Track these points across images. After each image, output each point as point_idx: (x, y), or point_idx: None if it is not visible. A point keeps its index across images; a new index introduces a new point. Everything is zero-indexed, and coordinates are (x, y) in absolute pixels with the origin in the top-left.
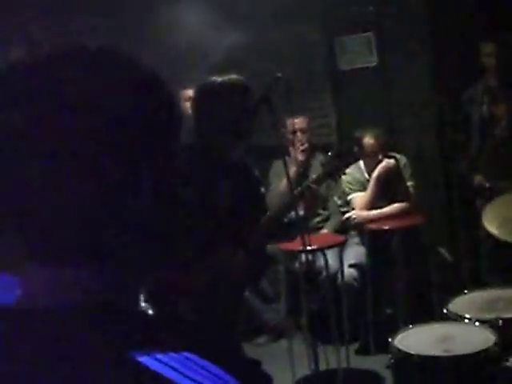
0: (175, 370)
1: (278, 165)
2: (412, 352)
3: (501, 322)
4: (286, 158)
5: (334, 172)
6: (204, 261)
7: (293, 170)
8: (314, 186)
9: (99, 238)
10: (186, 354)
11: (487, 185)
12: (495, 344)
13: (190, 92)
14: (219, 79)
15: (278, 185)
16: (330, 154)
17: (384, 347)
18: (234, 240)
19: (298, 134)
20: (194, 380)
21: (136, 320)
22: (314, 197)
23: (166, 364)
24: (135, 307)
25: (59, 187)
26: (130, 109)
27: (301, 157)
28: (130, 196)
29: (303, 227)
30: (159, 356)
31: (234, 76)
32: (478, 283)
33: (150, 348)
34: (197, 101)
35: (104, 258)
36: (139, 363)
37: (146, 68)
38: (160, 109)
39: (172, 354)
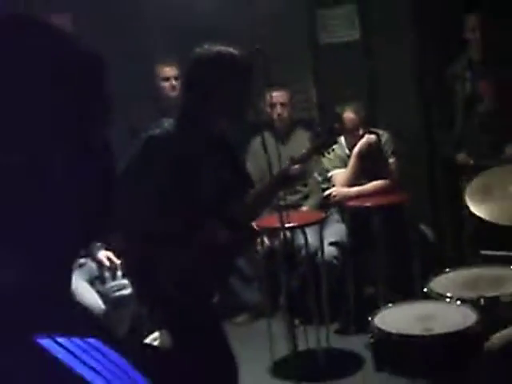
0: (77, 356)
1: (255, 143)
2: (392, 331)
3: (482, 300)
4: (265, 133)
5: (322, 147)
6: (191, 236)
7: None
8: (301, 161)
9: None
10: (91, 340)
11: (471, 162)
12: (476, 323)
13: (167, 70)
14: (221, 49)
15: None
16: (319, 129)
17: (364, 327)
18: (220, 215)
19: (278, 108)
20: (92, 368)
21: (46, 302)
22: (299, 174)
23: (67, 350)
24: (54, 291)
25: None
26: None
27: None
28: (47, 171)
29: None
30: (62, 340)
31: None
32: (459, 262)
33: (54, 332)
34: (194, 68)
35: (21, 238)
36: (40, 346)
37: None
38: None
39: (76, 340)
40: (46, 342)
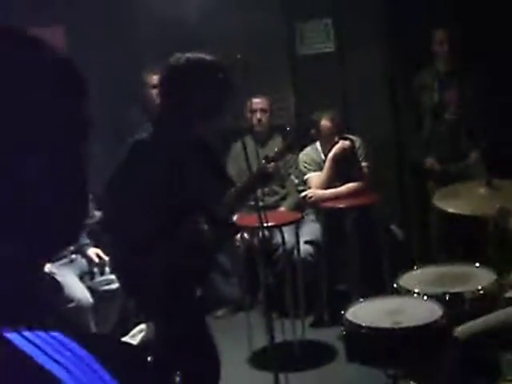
0: (41, 349)
1: (236, 148)
2: (363, 324)
3: (448, 296)
4: (246, 138)
5: (293, 145)
6: (176, 232)
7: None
8: (275, 159)
9: None
10: (56, 334)
11: (438, 167)
12: (442, 317)
13: (155, 78)
14: (195, 56)
15: (236, 166)
16: (288, 128)
17: (337, 320)
18: (202, 212)
19: (258, 113)
20: (56, 361)
21: (16, 296)
22: (274, 172)
23: (32, 343)
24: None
25: None
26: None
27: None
28: (16, 169)
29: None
30: (27, 334)
31: (207, 55)
32: (427, 260)
33: (19, 325)
34: (171, 74)
35: None
36: (5, 339)
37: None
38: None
39: (41, 333)
40: (11, 336)
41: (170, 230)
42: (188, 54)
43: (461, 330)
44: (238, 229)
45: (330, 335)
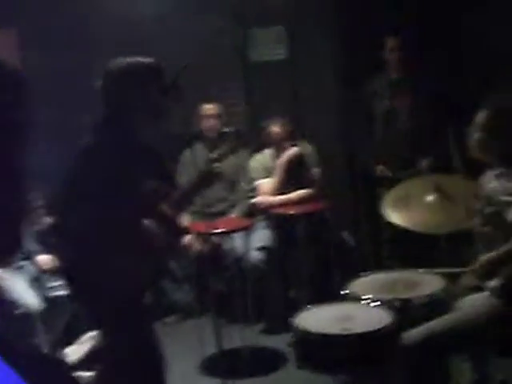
0: None
1: (186, 154)
2: (312, 330)
3: (397, 302)
4: (196, 144)
5: (234, 149)
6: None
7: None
8: (218, 160)
9: None
10: None
11: (389, 174)
12: (391, 323)
13: None
14: (132, 59)
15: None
16: (229, 130)
17: (288, 327)
18: (149, 214)
19: (210, 120)
20: None
21: None
22: (218, 172)
23: None
24: None
25: None
26: None
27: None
28: None
29: None
30: None
31: (145, 58)
32: (377, 267)
33: None
34: (110, 79)
35: None
36: None
37: None
38: None
39: None
40: None
41: (119, 231)
42: (127, 58)
43: (409, 336)
44: (187, 229)
45: (280, 342)
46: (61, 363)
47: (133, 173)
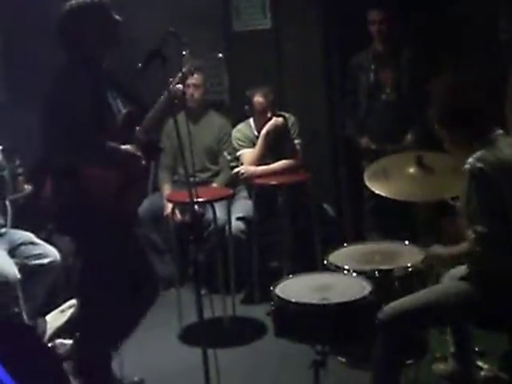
0: None
1: (169, 124)
2: (291, 299)
3: (377, 273)
4: (178, 115)
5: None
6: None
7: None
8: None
9: None
10: None
11: (373, 147)
12: (370, 293)
13: None
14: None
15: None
16: (185, 53)
17: (268, 297)
18: (125, 137)
19: (191, 89)
20: None
21: None
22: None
23: None
24: None
25: None
26: None
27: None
28: None
29: None
30: None
31: None
32: (357, 239)
33: None
34: (63, 19)
35: None
36: None
37: None
38: None
39: None
40: None
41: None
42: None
43: (388, 309)
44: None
45: (260, 312)
46: (30, 329)
47: (107, 101)
